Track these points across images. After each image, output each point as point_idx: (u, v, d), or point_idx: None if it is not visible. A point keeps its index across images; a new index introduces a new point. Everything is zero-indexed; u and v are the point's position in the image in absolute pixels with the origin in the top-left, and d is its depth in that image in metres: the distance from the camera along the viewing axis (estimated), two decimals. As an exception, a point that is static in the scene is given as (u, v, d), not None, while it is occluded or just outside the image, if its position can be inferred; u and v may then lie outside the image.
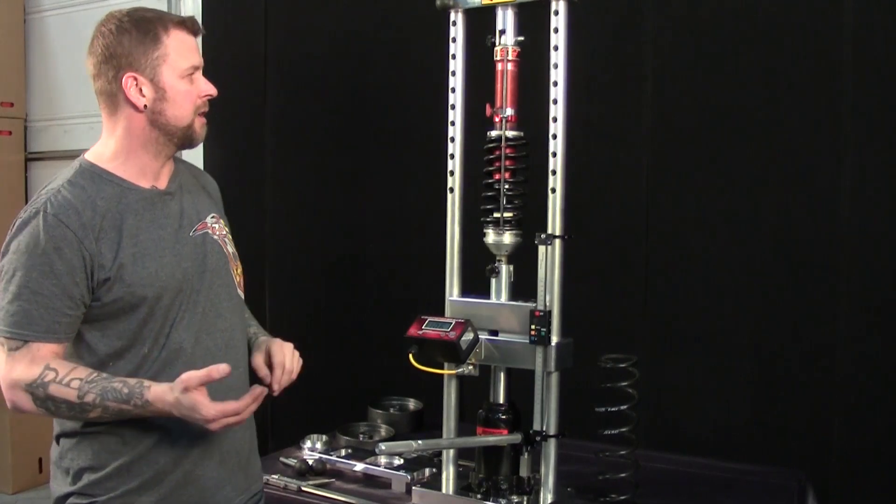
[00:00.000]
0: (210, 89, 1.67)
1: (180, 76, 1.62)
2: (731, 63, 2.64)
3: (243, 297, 1.81)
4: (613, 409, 1.90)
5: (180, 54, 1.62)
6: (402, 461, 2.24)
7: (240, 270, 1.79)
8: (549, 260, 1.91)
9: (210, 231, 1.73)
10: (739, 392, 2.63)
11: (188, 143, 1.68)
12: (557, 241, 1.91)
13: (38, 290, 1.53)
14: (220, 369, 1.49)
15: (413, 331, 1.93)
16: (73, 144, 4.56)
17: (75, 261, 1.54)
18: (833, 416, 2.50)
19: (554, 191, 1.92)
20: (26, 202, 5.49)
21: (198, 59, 1.66)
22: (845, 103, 2.48)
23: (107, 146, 1.67)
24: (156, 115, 1.63)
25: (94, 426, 1.60)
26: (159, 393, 1.51)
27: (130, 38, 1.60)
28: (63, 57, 4.59)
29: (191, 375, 1.49)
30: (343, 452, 2.34)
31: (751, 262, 2.62)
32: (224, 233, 1.78)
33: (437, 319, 1.96)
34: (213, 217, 1.77)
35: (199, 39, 1.70)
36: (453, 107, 2.09)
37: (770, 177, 2.59)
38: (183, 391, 1.49)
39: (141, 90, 1.61)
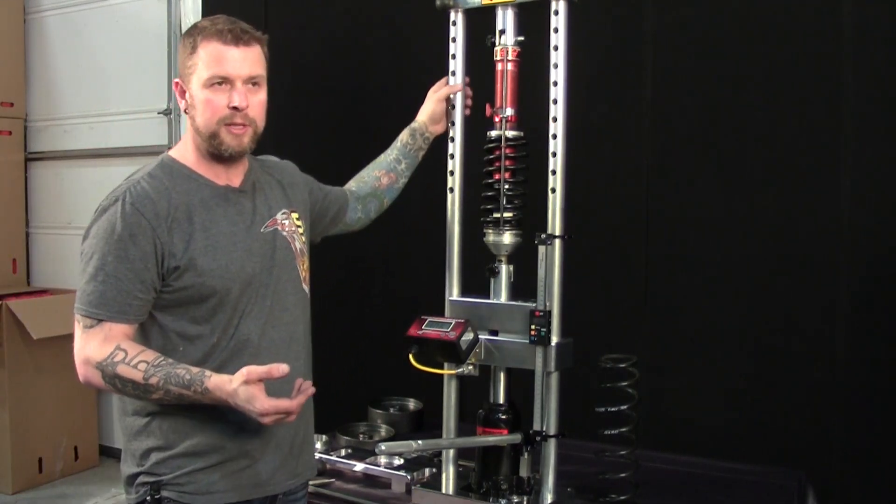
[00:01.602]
0: (234, 101, 1.68)
1: (203, 86, 1.69)
2: (730, 63, 2.64)
3: (308, 291, 1.87)
4: (613, 409, 1.90)
5: (206, 64, 1.68)
6: (402, 461, 2.24)
7: (306, 266, 1.86)
8: (549, 260, 1.91)
9: (279, 227, 1.81)
10: (739, 392, 2.63)
11: (217, 151, 1.72)
12: (557, 241, 1.92)
13: (112, 273, 1.62)
14: (280, 369, 1.57)
15: (413, 331, 1.94)
16: (72, 144, 4.57)
17: (148, 247, 1.63)
18: (833, 416, 2.50)
19: (554, 191, 1.92)
20: (26, 202, 5.49)
21: (226, 70, 1.68)
22: (845, 103, 2.48)
23: (185, 143, 1.78)
24: (192, 121, 1.73)
25: (165, 408, 1.67)
26: (219, 382, 1.58)
27: (182, 47, 1.73)
28: (63, 57, 4.60)
29: (251, 370, 1.56)
30: (343, 452, 2.34)
31: (751, 262, 2.62)
32: (294, 228, 1.84)
33: (437, 319, 1.96)
34: (283, 213, 1.84)
35: (251, 50, 1.71)
36: (453, 107, 2.10)
37: (770, 177, 2.59)
38: (243, 383, 1.56)
39: (183, 94, 1.72)
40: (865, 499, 2.46)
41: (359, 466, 2.23)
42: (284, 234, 1.81)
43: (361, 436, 2.52)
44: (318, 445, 2.38)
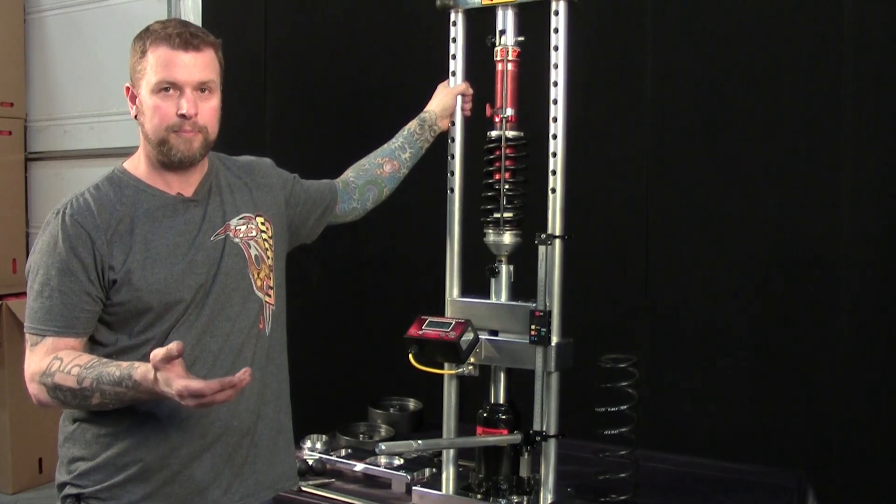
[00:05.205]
0: (182, 108, 1.63)
1: (152, 91, 1.64)
2: (730, 63, 2.64)
3: (271, 299, 1.80)
4: (613, 409, 1.90)
5: (154, 70, 1.64)
6: (402, 461, 2.24)
7: (262, 274, 1.78)
8: (549, 260, 1.91)
9: (232, 234, 1.74)
10: (739, 392, 2.63)
11: (167, 158, 1.67)
12: (557, 241, 1.92)
13: (57, 287, 1.60)
14: (177, 346, 1.44)
15: (413, 331, 1.93)
16: (72, 144, 4.57)
17: (88, 259, 1.60)
18: (833, 416, 2.50)
19: (554, 191, 1.92)
20: (26, 202, 5.48)
21: (174, 76, 1.63)
22: (845, 103, 2.48)
23: (137, 154, 1.75)
24: (142, 128, 1.69)
25: (92, 414, 1.64)
26: (144, 372, 1.50)
27: (132, 50, 1.68)
28: (63, 57, 4.59)
29: (153, 353, 1.46)
30: (343, 452, 2.34)
31: (751, 262, 2.62)
32: (254, 233, 1.77)
33: (437, 319, 1.96)
34: (242, 218, 1.77)
35: (201, 55, 1.65)
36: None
37: (770, 176, 2.59)
38: (154, 370, 1.46)
39: (134, 100, 1.69)
40: (865, 499, 2.46)
41: (359, 466, 2.23)
42: (237, 241, 1.74)
43: (361, 436, 2.52)
44: (319, 445, 2.38)
